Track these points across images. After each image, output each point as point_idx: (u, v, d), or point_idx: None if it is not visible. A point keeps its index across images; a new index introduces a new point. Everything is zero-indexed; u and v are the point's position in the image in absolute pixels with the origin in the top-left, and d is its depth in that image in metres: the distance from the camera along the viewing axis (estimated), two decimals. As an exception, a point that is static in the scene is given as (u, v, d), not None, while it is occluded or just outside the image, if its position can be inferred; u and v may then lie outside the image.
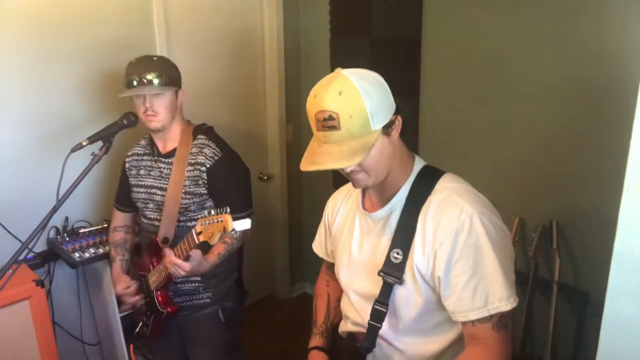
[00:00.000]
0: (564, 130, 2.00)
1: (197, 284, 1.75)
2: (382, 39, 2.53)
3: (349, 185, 1.28)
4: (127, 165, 1.84)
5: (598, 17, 1.83)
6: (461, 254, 1.01)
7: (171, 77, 1.64)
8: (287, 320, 3.10)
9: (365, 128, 0.98)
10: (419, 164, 1.13)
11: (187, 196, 1.66)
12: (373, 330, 1.14)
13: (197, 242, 1.38)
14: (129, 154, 1.86)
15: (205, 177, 1.65)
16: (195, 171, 1.65)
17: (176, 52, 2.47)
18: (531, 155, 2.11)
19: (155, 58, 1.68)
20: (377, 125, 0.99)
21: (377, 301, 1.11)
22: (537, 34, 1.99)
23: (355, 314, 1.22)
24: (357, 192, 1.24)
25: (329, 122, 0.99)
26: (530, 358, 2.19)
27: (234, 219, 1.58)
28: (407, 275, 1.07)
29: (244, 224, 1.35)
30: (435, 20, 2.32)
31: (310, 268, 3.44)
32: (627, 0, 1.74)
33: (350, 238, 1.22)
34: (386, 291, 1.10)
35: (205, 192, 1.68)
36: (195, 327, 1.80)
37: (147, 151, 1.80)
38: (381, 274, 1.09)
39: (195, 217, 1.68)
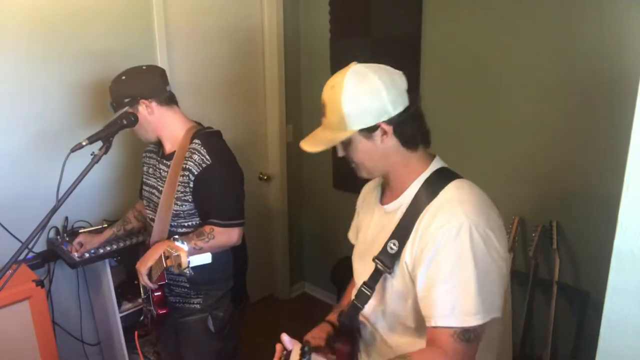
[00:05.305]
0: (564, 130, 2.00)
1: (186, 289, 1.74)
2: (382, 39, 2.53)
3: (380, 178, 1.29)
4: (142, 160, 1.85)
5: (598, 15, 1.83)
6: (440, 258, 1.00)
7: (118, 100, 1.62)
8: (287, 320, 3.10)
9: (341, 124, 1.06)
10: (434, 165, 1.14)
11: (178, 202, 1.64)
12: (354, 309, 1.17)
13: (164, 266, 1.41)
14: (146, 149, 1.85)
15: (192, 186, 1.61)
16: (185, 177, 1.61)
17: (176, 52, 2.47)
18: (531, 155, 2.11)
19: (114, 81, 1.64)
20: (354, 126, 1.05)
21: (365, 283, 1.14)
22: (536, 34, 1.99)
23: None
24: (381, 185, 1.26)
25: (322, 109, 1.10)
26: (530, 358, 2.19)
27: (223, 225, 1.62)
28: (399, 269, 1.09)
29: (203, 259, 1.37)
30: (435, 20, 2.32)
31: (310, 268, 3.44)
32: (627, 0, 1.75)
33: (367, 228, 1.25)
34: (375, 277, 1.12)
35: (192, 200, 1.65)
36: (186, 331, 1.79)
37: (155, 150, 1.79)
38: (375, 260, 1.12)
39: (185, 224, 1.68)
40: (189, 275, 1.37)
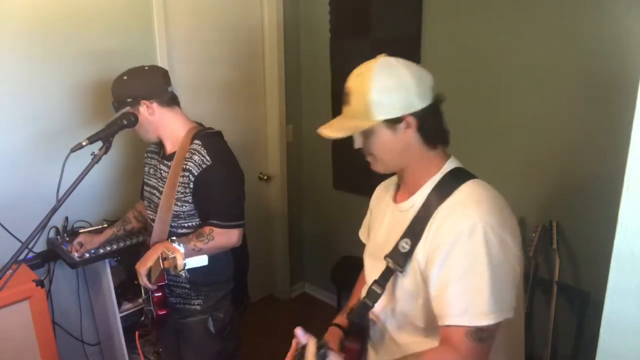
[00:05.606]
0: (564, 130, 2.00)
1: (187, 290, 1.73)
2: (382, 39, 2.53)
3: (394, 177, 1.30)
4: (144, 160, 1.85)
5: (598, 15, 1.83)
6: (453, 258, 1.00)
7: (120, 100, 1.62)
8: (287, 320, 3.11)
9: (366, 113, 1.05)
10: (450, 165, 1.14)
11: (178, 203, 1.64)
12: (364, 307, 1.16)
13: (162, 267, 1.42)
14: (147, 150, 1.85)
15: (192, 186, 1.61)
16: (185, 178, 1.61)
17: (176, 53, 2.47)
18: (531, 154, 2.11)
19: (116, 80, 1.65)
20: (379, 116, 1.04)
21: (375, 282, 1.13)
22: (536, 34, 1.99)
23: None
24: (395, 184, 1.26)
25: (345, 97, 1.09)
26: (531, 358, 2.19)
27: (223, 226, 1.62)
28: (410, 268, 1.09)
29: (199, 261, 1.38)
30: (435, 20, 2.33)
31: (310, 268, 3.44)
32: (628, 1, 1.75)
33: (380, 227, 1.24)
34: (386, 275, 1.12)
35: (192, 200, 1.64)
36: (187, 331, 1.79)
37: (156, 150, 1.79)
38: (387, 258, 1.11)
39: (185, 225, 1.68)
40: (184, 277, 1.39)
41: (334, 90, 2.87)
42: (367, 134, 1.09)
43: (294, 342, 1.06)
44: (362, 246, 1.37)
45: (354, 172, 2.83)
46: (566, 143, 2.00)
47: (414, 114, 1.05)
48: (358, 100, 1.05)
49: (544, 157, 2.08)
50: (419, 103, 1.05)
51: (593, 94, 1.89)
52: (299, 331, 1.04)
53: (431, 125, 1.09)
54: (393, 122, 1.05)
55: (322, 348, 0.97)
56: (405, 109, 1.04)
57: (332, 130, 1.09)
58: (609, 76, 1.83)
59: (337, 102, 2.86)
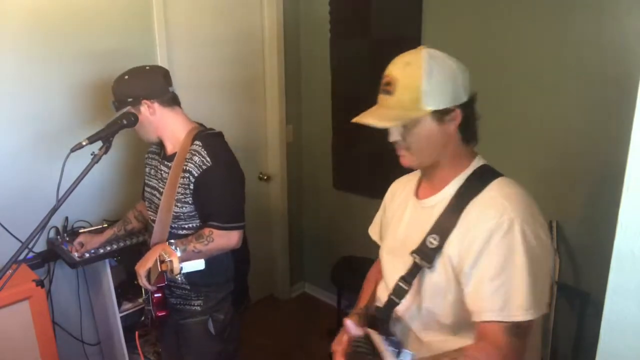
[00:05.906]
0: (563, 129, 2.00)
1: (187, 291, 1.73)
2: (382, 39, 2.53)
3: (413, 174, 1.29)
4: (145, 161, 1.85)
5: (599, 13, 1.83)
6: (491, 252, 0.99)
7: (121, 100, 1.62)
8: (287, 320, 3.10)
9: (415, 103, 1.02)
10: (477, 162, 1.14)
11: (178, 204, 1.63)
12: (391, 304, 1.15)
13: (159, 270, 1.41)
14: (148, 150, 1.85)
15: (192, 187, 1.60)
16: (185, 179, 1.60)
17: (176, 53, 2.47)
18: (531, 155, 2.11)
19: (117, 80, 1.65)
20: (429, 106, 1.02)
21: (402, 278, 1.12)
22: (536, 33, 1.99)
23: (386, 295, 1.22)
24: (415, 180, 1.26)
25: (387, 87, 1.05)
26: (531, 358, 2.19)
27: (222, 228, 1.62)
28: (439, 264, 1.07)
29: (196, 265, 1.38)
30: (435, 20, 2.33)
31: (310, 268, 3.44)
32: (629, 2, 1.75)
33: (399, 223, 1.23)
34: (413, 271, 1.10)
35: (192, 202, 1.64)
36: (187, 332, 1.78)
37: (157, 151, 1.78)
38: (413, 254, 1.10)
39: (185, 226, 1.67)
40: (180, 280, 1.37)
41: (334, 90, 2.86)
42: (410, 125, 1.05)
43: (343, 338, 1.06)
44: (370, 243, 1.35)
45: (354, 172, 2.83)
46: (566, 143, 2.00)
47: (461, 106, 1.05)
48: (406, 90, 1.02)
49: (544, 157, 2.07)
50: (463, 95, 1.05)
51: (593, 94, 1.89)
52: (349, 322, 1.03)
53: (471, 120, 1.08)
54: (442, 114, 1.03)
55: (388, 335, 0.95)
56: (454, 100, 1.04)
57: (376, 119, 1.03)
58: (609, 76, 1.83)
59: (338, 102, 2.88)
